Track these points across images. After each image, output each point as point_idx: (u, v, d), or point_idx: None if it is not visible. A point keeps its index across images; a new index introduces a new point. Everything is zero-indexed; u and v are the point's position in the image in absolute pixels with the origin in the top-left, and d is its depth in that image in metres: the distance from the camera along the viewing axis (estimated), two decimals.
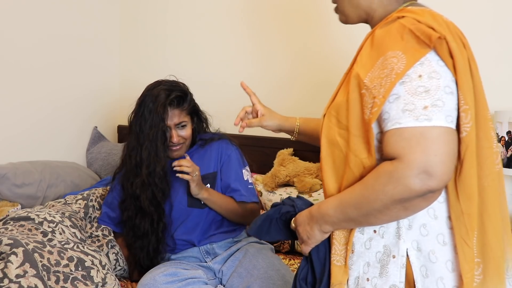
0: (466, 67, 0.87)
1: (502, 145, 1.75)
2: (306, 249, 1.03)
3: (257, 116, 1.39)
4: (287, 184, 2.27)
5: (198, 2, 2.70)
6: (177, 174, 1.59)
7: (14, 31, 2.40)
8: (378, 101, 0.87)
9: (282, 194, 2.19)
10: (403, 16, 0.90)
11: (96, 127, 2.87)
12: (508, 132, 1.74)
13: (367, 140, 0.90)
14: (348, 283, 0.96)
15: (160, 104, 1.59)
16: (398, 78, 0.84)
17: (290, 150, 2.33)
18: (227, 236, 1.70)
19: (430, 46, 0.85)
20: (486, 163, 0.89)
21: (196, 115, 1.76)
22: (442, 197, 0.90)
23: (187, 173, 1.58)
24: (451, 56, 0.85)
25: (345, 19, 1.08)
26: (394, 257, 0.91)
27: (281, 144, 2.37)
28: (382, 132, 0.89)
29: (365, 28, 1.07)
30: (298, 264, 1.82)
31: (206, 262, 1.66)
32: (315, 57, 2.37)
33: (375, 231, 0.94)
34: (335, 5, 1.10)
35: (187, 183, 1.66)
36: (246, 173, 1.76)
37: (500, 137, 1.76)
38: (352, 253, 0.96)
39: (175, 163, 1.60)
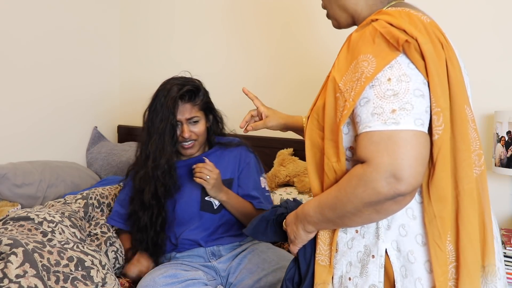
0: (441, 69, 0.86)
1: (502, 145, 1.75)
2: (293, 249, 1.04)
3: (262, 119, 1.42)
4: (287, 184, 2.27)
5: (197, 2, 2.70)
6: (194, 178, 1.60)
7: (14, 30, 2.40)
8: (348, 104, 0.87)
9: (282, 194, 2.19)
10: (377, 19, 0.90)
11: (96, 127, 2.87)
12: (508, 132, 1.73)
13: (337, 144, 0.91)
14: (333, 281, 0.97)
15: (171, 98, 1.59)
16: (368, 81, 0.84)
17: (290, 150, 2.33)
18: (234, 239, 1.71)
19: (399, 50, 0.84)
20: (462, 166, 0.88)
21: (211, 113, 1.74)
22: (420, 198, 0.90)
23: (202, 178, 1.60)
24: (423, 58, 0.85)
25: (337, 24, 1.10)
26: (373, 257, 0.91)
27: (281, 144, 2.37)
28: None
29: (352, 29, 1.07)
30: None
31: (210, 262, 1.67)
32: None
33: (357, 231, 0.95)
34: (326, 11, 1.11)
35: (201, 187, 1.66)
36: (264, 181, 1.77)
37: (500, 137, 1.76)
38: (336, 252, 0.97)
39: (195, 166, 1.61)
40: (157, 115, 1.60)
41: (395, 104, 0.82)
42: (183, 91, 1.61)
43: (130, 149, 2.64)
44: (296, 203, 1.12)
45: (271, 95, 2.46)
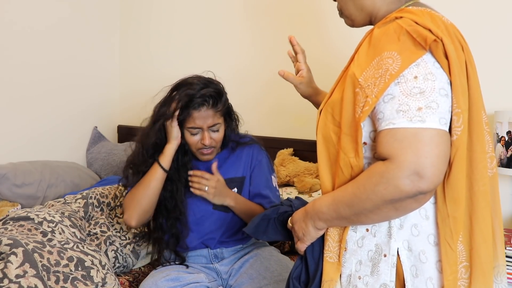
0: (461, 70, 0.87)
1: (502, 145, 1.75)
2: (301, 246, 1.03)
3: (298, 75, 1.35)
4: (287, 184, 2.27)
5: (197, 5, 2.70)
6: (192, 189, 1.57)
7: (14, 30, 2.40)
8: (370, 100, 0.87)
9: (282, 194, 2.19)
10: (401, 17, 0.90)
11: (96, 127, 2.87)
12: (508, 132, 1.74)
13: (355, 139, 0.91)
14: (340, 280, 0.96)
15: (185, 95, 1.51)
16: (393, 78, 0.84)
17: (290, 150, 2.33)
18: (238, 243, 1.69)
19: (426, 48, 0.85)
20: (478, 168, 0.89)
21: (230, 117, 1.67)
22: (434, 198, 0.90)
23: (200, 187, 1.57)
24: (447, 58, 0.85)
25: (352, 23, 1.08)
26: (385, 256, 0.91)
27: (281, 144, 2.37)
28: (376, 131, 0.89)
29: (362, 30, 1.07)
30: None
31: (212, 264, 1.66)
32: (310, 58, 2.37)
33: (367, 230, 0.94)
34: (339, 10, 1.10)
35: None
36: (274, 180, 1.74)
37: (500, 137, 1.76)
38: (345, 250, 0.96)
39: (192, 174, 1.57)
40: (163, 103, 1.55)
41: (421, 102, 0.82)
42: (204, 94, 1.52)
43: (130, 149, 2.64)
44: (301, 202, 1.11)
45: (279, 95, 2.46)
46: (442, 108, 0.83)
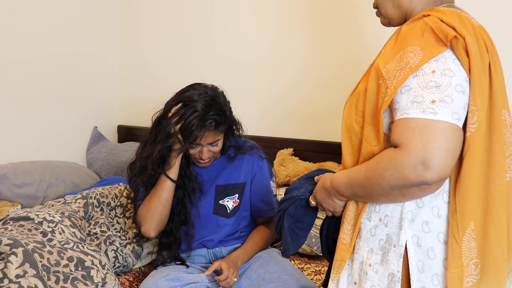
0: (483, 70, 0.89)
1: None
2: (338, 214, 1.10)
3: None
4: (287, 184, 2.27)
5: (200, 10, 2.70)
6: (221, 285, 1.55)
7: (13, 28, 2.40)
8: (389, 91, 0.90)
9: (282, 194, 2.18)
10: (428, 15, 0.93)
11: (96, 127, 2.87)
12: None
13: (377, 128, 0.94)
14: (353, 267, 1.01)
15: (187, 129, 1.50)
16: (412, 71, 0.87)
17: (290, 150, 2.33)
18: (237, 241, 1.71)
19: (447, 45, 0.87)
20: (496, 168, 0.90)
21: (231, 127, 1.66)
22: (447, 196, 0.92)
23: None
24: (468, 57, 0.87)
25: (387, 22, 1.11)
26: (394, 246, 0.94)
27: (281, 144, 2.37)
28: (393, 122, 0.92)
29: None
30: (314, 268, 1.85)
31: (212, 264, 1.67)
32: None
33: (380, 219, 0.97)
34: (375, 7, 1.12)
35: (215, 191, 1.67)
36: (273, 185, 1.78)
37: None
38: (359, 238, 1.00)
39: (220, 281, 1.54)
40: (165, 128, 1.54)
41: (436, 95, 0.85)
42: (206, 119, 1.50)
43: (130, 149, 2.65)
44: (308, 185, 1.15)
45: (279, 95, 2.46)
46: (456, 103, 0.85)
